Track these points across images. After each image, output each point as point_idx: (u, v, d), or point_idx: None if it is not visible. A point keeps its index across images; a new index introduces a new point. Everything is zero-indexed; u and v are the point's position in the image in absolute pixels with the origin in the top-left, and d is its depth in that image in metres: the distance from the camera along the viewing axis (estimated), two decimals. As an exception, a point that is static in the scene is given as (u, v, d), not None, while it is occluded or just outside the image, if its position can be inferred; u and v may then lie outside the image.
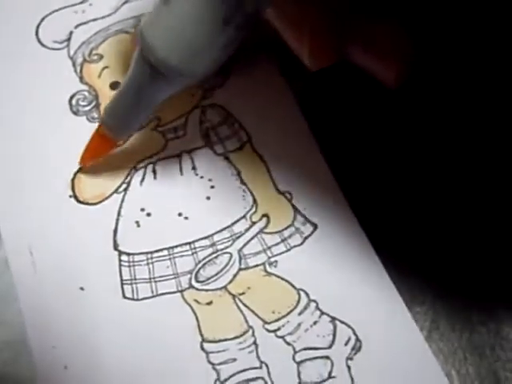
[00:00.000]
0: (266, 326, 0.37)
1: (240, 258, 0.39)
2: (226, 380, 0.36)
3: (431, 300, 0.38)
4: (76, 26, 0.45)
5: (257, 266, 0.39)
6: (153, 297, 0.38)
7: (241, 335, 0.37)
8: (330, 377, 0.36)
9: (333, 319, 0.38)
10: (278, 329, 0.37)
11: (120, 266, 0.39)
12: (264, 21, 0.38)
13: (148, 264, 0.39)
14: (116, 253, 0.39)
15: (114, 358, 0.36)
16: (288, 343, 0.37)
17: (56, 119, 0.42)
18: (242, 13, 0.35)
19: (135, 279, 0.38)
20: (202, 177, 0.41)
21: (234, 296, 0.38)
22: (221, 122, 0.42)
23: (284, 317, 0.38)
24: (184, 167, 0.41)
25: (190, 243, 0.39)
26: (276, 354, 0.37)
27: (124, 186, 0.41)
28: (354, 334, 0.37)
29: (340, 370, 0.37)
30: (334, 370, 0.37)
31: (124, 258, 0.39)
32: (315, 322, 0.38)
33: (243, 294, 0.38)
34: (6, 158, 0.41)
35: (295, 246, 0.39)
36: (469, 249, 0.39)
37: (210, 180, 0.41)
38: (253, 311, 0.38)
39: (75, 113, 0.42)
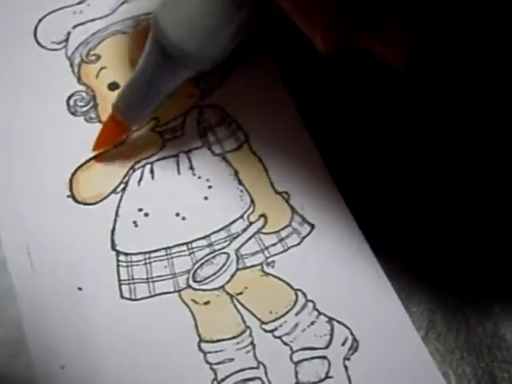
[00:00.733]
0: (264, 326, 0.38)
1: (237, 258, 0.39)
2: (223, 380, 0.36)
3: (428, 300, 0.38)
4: (74, 27, 0.45)
5: (254, 266, 0.39)
6: (150, 297, 0.38)
7: (238, 335, 0.37)
8: (327, 377, 0.36)
9: (330, 319, 0.38)
10: (276, 329, 0.38)
11: (118, 265, 0.39)
12: (275, 5, 0.38)
13: (146, 264, 0.39)
14: (114, 253, 0.39)
15: (112, 358, 0.36)
16: (285, 343, 0.37)
17: (54, 119, 0.42)
18: None
19: (133, 279, 0.38)
20: (199, 177, 0.41)
21: (231, 296, 0.38)
22: (218, 122, 0.42)
23: (281, 317, 0.38)
24: (182, 167, 0.41)
25: (187, 243, 0.39)
26: (273, 354, 0.37)
27: (122, 186, 0.41)
28: (351, 334, 0.37)
29: (337, 370, 0.37)
30: (332, 370, 0.37)
31: (122, 257, 0.39)
32: (312, 323, 0.38)
33: (241, 294, 0.38)
34: (3, 158, 0.41)
35: (293, 246, 0.39)
36: (465, 249, 0.39)
37: (207, 180, 0.41)
38: (250, 311, 0.38)
39: (73, 113, 0.43)
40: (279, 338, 0.37)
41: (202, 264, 0.39)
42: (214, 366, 0.37)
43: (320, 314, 0.38)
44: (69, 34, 0.45)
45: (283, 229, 0.40)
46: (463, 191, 0.41)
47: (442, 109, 0.43)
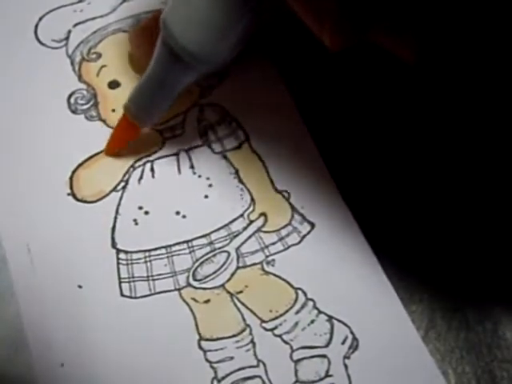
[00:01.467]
0: (264, 325, 0.38)
1: (238, 257, 0.39)
2: (223, 378, 0.36)
3: (428, 299, 0.38)
4: (74, 25, 0.45)
5: (254, 264, 0.39)
6: (150, 295, 0.38)
7: (238, 334, 0.37)
8: (327, 375, 0.36)
9: (330, 318, 0.38)
10: (276, 327, 0.37)
11: (118, 264, 0.39)
12: (282, 4, 0.38)
13: (146, 262, 0.39)
14: (114, 251, 0.39)
15: (111, 356, 0.36)
16: (285, 342, 0.37)
17: (54, 118, 0.42)
18: None
19: (133, 277, 0.38)
20: (199, 175, 0.41)
21: (231, 294, 0.38)
22: (219, 120, 0.42)
23: (281, 315, 0.38)
24: (182, 166, 0.41)
25: (187, 241, 0.39)
26: (273, 353, 0.37)
27: (122, 184, 0.41)
28: (351, 332, 0.37)
29: (337, 368, 0.37)
30: (331, 368, 0.37)
31: (122, 256, 0.39)
32: (312, 321, 0.38)
33: (241, 292, 0.38)
34: (4, 156, 0.41)
35: (293, 245, 0.39)
36: (465, 249, 0.39)
37: (207, 179, 0.41)
38: (250, 310, 0.38)
39: (73, 111, 0.43)
40: (279, 336, 0.37)
41: (202, 262, 0.39)
42: (214, 365, 0.37)
43: (320, 312, 0.38)
44: (69, 32, 0.45)
45: (283, 227, 0.40)
46: (463, 191, 0.41)
47: (442, 108, 0.43)
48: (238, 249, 0.39)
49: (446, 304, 0.38)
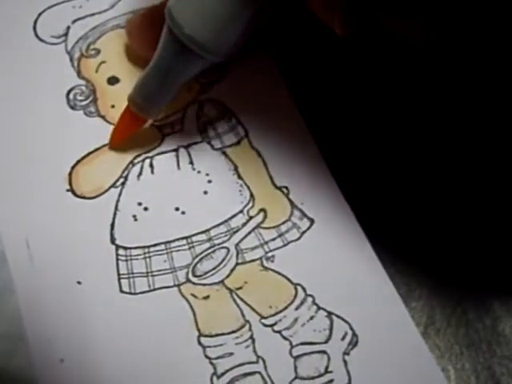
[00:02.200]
0: (263, 321, 0.38)
1: (237, 253, 0.39)
2: (222, 374, 0.36)
3: (427, 295, 0.38)
4: (73, 21, 0.45)
5: (254, 260, 0.39)
6: (150, 291, 0.38)
7: (237, 330, 0.37)
8: (326, 371, 0.36)
9: (329, 314, 0.38)
10: (275, 323, 0.37)
11: (117, 260, 0.39)
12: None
13: (145, 258, 0.39)
14: (113, 247, 0.39)
15: (111, 352, 0.36)
16: (285, 338, 0.37)
17: (53, 114, 0.42)
18: None
19: (132, 273, 0.38)
20: (199, 171, 0.41)
21: (230, 290, 0.38)
22: (218, 116, 0.42)
23: (281, 311, 0.38)
24: (181, 162, 0.41)
25: (187, 237, 0.39)
26: (273, 349, 0.37)
27: (121, 180, 0.41)
28: (351, 328, 0.37)
29: (337, 364, 0.37)
30: (331, 364, 0.37)
31: (121, 252, 0.39)
32: (312, 317, 0.38)
33: (240, 288, 0.38)
34: (3, 152, 0.41)
35: (292, 241, 0.39)
36: (465, 245, 0.39)
37: (207, 175, 0.41)
38: (250, 306, 0.38)
39: (72, 107, 0.42)
40: (279, 332, 0.37)
41: (201, 258, 0.39)
42: (214, 361, 0.37)
43: (319, 308, 0.38)
44: (68, 28, 0.45)
45: (283, 223, 0.40)
46: (462, 187, 0.41)
47: (441, 105, 0.43)
48: (237, 245, 0.39)
49: (445, 300, 0.38)
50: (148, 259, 0.39)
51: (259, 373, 0.36)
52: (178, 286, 0.38)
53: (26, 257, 0.38)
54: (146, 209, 0.40)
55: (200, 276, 0.38)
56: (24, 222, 0.39)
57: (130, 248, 0.39)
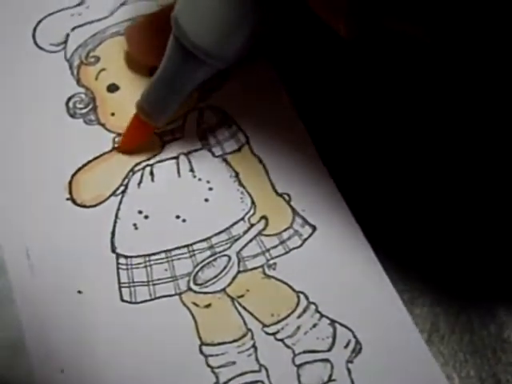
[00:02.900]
0: (265, 329, 0.37)
1: (239, 261, 0.39)
2: (224, 383, 0.36)
3: (431, 302, 0.38)
4: (72, 29, 0.45)
5: (255, 268, 0.39)
6: (151, 300, 0.38)
7: (240, 338, 0.37)
8: (330, 380, 0.36)
9: (332, 322, 0.37)
10: (278, 332, 0.37)
11: (118, 268, 0.38)
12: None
13: (146, 267, 0.38)
14: (114, 255, 0.39)
15: (112, 362, 0.36)
16: (287, 346, 0.37)
17: (53, 122, 0.42)
18: None
19: (133, 282, 0.38)
20: (199, 179, 0.41)
21: (232, 299, 0.38)
22: (218, 123, 0.42)
23: (283, 319, 0.37)
24: (182, 169, 0.41)
25: (187, 246, 0.39)
26: (275, 357, 0.37)
27: (121, 188, 0.40)
28: (354, 336, 0.37)
29: (340, 373, 0.36)
30: (334, 372, 0.36)
31: (122, 260, 0.39)
32: (315, 325, 0.37)
33: (242, 296, 0.38)
34: (3, 161, 0.41)
35: (294, 248, 0.39)
36: (468, 251, 0.39)
37: (207, 182, 0.41)
38: (252, 314, 0.38)
39: (72, 115, 0.42)
40: (281, 340, 0.37)
41: (202, 267, 0.39)
42: (216, 370, 0.36)
43: (322, 316, 0.37)
44: (68, 36, 0.45)
45: (284, 231, 0.39)
46: (466, 193, 0.41)
47: (442, 109, 0.43)
48: (238, 252, 0.39)
49: (449, 307, 0.38)
50: (149, 268, 0.38)
51: (262, 382, 0.36)
52: (180, 294, 0.38)
53: (26, 267, 0.38)
54: (146, 217, 0.40)
55: (201, 284, 0.38)
56: (24, 232, 0.39)
57: (131, 257, 0.39)
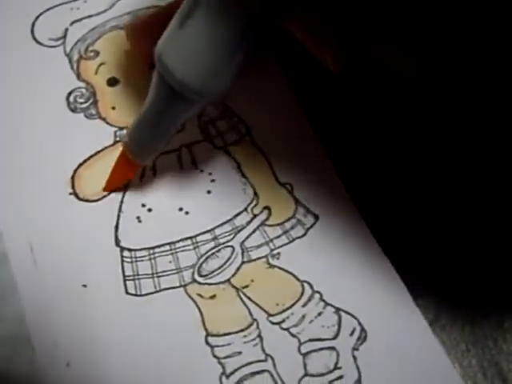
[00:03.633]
0: (271, 319, 0.37)
1: (242, 251, 0.39)
2: (231, 374, 0.36)
3: (433, 292, 0.38)
4: (71, 23, 0.45)
5: (259, 258, 0.39)
6: (156, 292, 0.38)
7: (245, 328, 0.37)
8: (336, 368, 0.36)
9: (337, 310, 0.37)
10: (283, 321, 0.37)
11: (122, 261, 0.38)
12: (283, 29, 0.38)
13: (150, 259, 0.38)
14: (118, 249, 0.39)
15: (118, 354, 0.36)
16: (293, 335, 0.37)
17: (54, 117, 0.42)
18: (257, 27, 0.35)
19: (138, 275, 0.38)
20: (201, 171, 0.41)
21: (237, 289, 0.38)
22: (219, 115, 0.42)
23: (288, 309, 0.37)
24: (184, 162, 0.41)
25: (191, 237, 0.39)
26: (281, 347, 0.37)
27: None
28: (359, 324, 0.37)
29: (346, 360, 0.36)
30: (340, 360, 0.36)
31: (126, 253, 0.39)
32: (320, 314, 0.37)
33: (247, 286, 0.38)
34: (5, 156, 0.41)
35: (297, 238, 0.39)
36: (471, 241, 0.39)
37: (210, 174, 0.41)
38: (257, 304, 0.38)
39: (73, 110, 0.42)
40: (287, 329, 0.37)
41: (206, 258, 0.39)
42: (222, 360, 0.36)
43: (327, 304, 0.38)
44: (66, 30, 0.45)
45: (287, 220, 0.40)
46: (466, 183, 0.41)
47: (444, 105, 0.43)
48: (242, 243, 0.39)
49: (451, 297, 0.38)
50: (153, 260, 0.38)
51: (268, 371, 0.36)
52: (184, 286, 0.38)
53: (29, 261, 0.38)
54: (149, 210, 0.40)
55: (206, 276, 0.38)
56: (27, 227, 0.39)
57: (135, 250, 0.39)
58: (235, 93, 0.42)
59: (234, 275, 0.38)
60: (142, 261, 0.38)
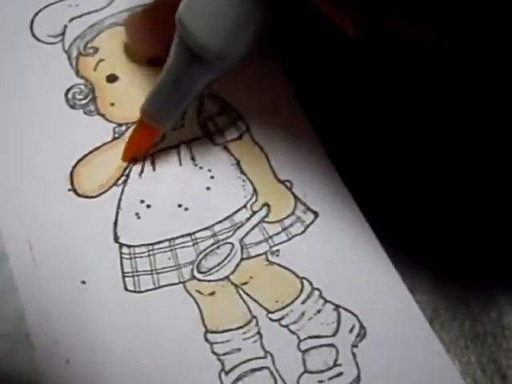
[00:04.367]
0: (270, 316, 0.37)
1: (241, 248, 0.39)
2: (230, 370, 0.36)
3: (432, 289, 0.38)
4: (70, 20, 0.45)
5: (259, 255, 0.39)
6: (155, 289, 0.38)
7: (244, 325, 0.37)
8: (335, 365, 0.36)
9: (337, 307, 0.37)
10: (282, 318, 0.37)
11: (121, 258, 0.38)
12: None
13: (149, 256, 0.38)
14: (117, 245, 0.39)
15: (117, 351, 0.36)
16: (292, 332, 0.37)
17: (53, 113, 0.42)
18: None
19: (137, 271, 0.38)
20: (201, 167, 0.41)
21: (236, 286, 0.38)
22: (219, 111, 0.42)
23: (288, 306, 0.38)
24: (183, 158, 0.41)
25: (190, 234, 0.39)
26: (280, 343, 0.37)
27: (123, 178, 0.40)
28: (359, 321, 0.37)
29: (345, 357, 0.36)
30: (340, 357, 0.36)
31: (125, 250, 0.39)
32: (319, 310, 0.37)
33: (246, 283, 0.38)
34: (3, 153, 0.41)
35: (297, 235, 0.39)
36: (469, 238, 0.39)
37: (209, 170, 0.41)
38: (256, 301, 0.38)
39: (72, 106, 0.42)
40: (286, 326, 0.37)
41: (206, 255, 0.38)
42: (221, 357, 0.36)
43: (326, 301, 0.38)
44: (65, 27, 0.44)
45: (287, 217, 0.39)
46: (466, 180, 0.41)
47: (444, 103, 0.43)
48: (241, 240, 0.39)
49: (449, 294, 0.38)
50: (152, 257, 0.38)
51: (267, 368, 0.36)
52: (183, 282, 0.38)
53: (28, 258, 0.38)
54: (148, 206, 0.40)
55: (205, 272, 0.38)
56: (26, 224, 0.39)
57: (134, 246, 0.39)
58: (235, 89, 0.42)
59: (233, 272, 0.38)
60: (141, 257, 0.38)
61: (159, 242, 0.39)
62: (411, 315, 0.37)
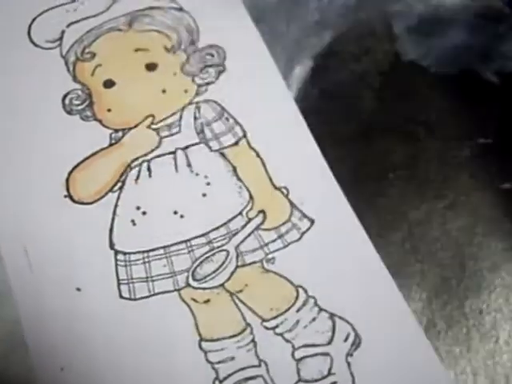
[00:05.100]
0: (265, 324, 0.37)
1: (237, 255, 0.39)
2: (224, 379, 0.36)
3: (427, 298, 0.38)
4: (68, 25, 0.45)
5: (254, 262, 0.38)
6: (150, 296, 0.38)
7: (239, 333, 0.37)
8: (329, 373, 0.36)
9: (332, 315, 0.37)
10: (277, 326, 0.37)
11: (116, 265, 0.38)
12: None
13: (144, 263, 0.38)
14: (112, 252, 0.39)
15: (112, 359, 0.36)
16: (287, 340, 0.37)
17: (49, 119, 0.42)
18: None
19: (132, 278, 0.38)
20: (197, 174, 0.41)
21: (231, 294, 0.38)
22: (215, 117, 0.42)
23: (282, 314, 0.37)
24: (179, 164, 0.41)
25: (186, 241, 0.39)
26: (275, 352, 0.37)
27: (119, 184, 0.40)
28: (353, 329, 0.37)
29: (340, 366, 0.36)
30: (334, 366, 0.36)
31: (120, 257, 0.38)
32: (314, 319, 0.37)
33: (241, 291, 0.38)
34: (0, 158, 0.41)
35: (292, 242, 0.39)
36: (464, 245, 0.39)
37: (205, 177, 0.40)
38: (251, 309, 0.38)
39: (69, 112, 0.42)
40: (280, 335, 0.37)
41: (201, 262, 0.38)
42: (216, 365, 0.36)
43: (321, 310, 0.37)
44: (63, 32, 0.44)
45: (283, 224, 0.39)
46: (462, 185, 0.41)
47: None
48: (237, 247, 0.39)
49: (445, 303, 0.38)
50: (147, 264, 0.38)
51: (261, 376, 0.36)
52: (178, 290, 0.38)
53: (24, 264, 0.38)
54: (144, 213, 0.40)
55: (200, 280, 0.38)
56: (22, 230, 0.39)
57: (129, 253, 0.39)
58: (232, 95, 0.42)
59: (228, 279, 0.38)
60: (136, 264, 0.38)
61: (154, 249, 0.39)
62: (406, 325, 0.37)
